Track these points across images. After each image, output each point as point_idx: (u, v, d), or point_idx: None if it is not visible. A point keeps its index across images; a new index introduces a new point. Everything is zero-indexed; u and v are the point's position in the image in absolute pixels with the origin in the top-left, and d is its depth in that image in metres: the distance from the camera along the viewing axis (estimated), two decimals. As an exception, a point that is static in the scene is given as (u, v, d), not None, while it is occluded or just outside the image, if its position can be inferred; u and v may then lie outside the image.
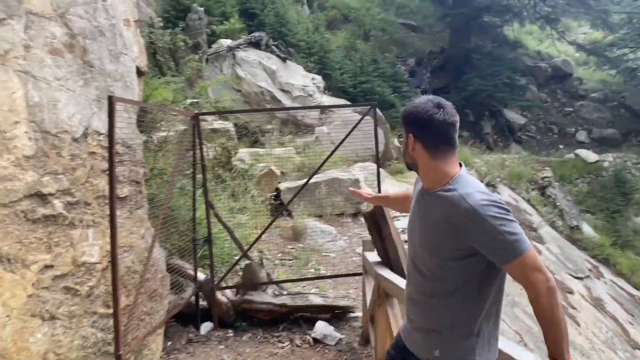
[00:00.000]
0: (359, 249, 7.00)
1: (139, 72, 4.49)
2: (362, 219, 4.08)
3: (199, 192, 5.45)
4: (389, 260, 4.01)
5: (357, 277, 5.82)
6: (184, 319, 4.70)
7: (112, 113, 3.04)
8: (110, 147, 3.05)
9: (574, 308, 10.29)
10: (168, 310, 4.03)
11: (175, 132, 5.09)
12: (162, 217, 4.07)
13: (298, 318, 4.78)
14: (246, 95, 12.27)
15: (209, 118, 7.74)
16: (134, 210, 3.90)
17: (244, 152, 8.86)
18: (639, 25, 18.67)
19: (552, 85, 21.35)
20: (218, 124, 8.25)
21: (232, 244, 5.86)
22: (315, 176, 8.38)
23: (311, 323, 4.74)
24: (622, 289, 12.35)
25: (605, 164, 17.36)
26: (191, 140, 4.57)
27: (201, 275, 4.74)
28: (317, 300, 4.73)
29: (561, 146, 19.34)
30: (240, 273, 5.11)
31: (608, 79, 21.05)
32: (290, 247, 6.97)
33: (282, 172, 8.84)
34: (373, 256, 4.43)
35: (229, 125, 8.26)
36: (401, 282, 3.33)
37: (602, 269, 12.68)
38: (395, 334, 3.40)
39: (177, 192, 4.97)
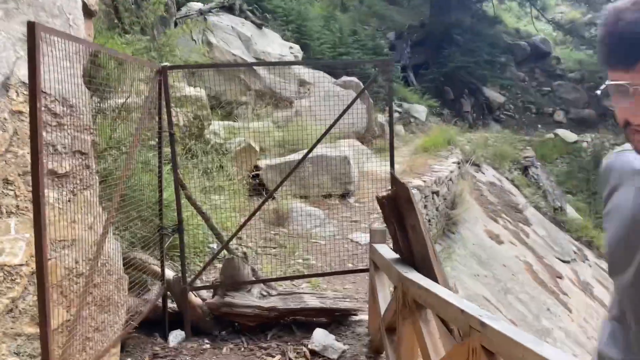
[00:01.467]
0: (352, 236, 6.09)
1: (88, 12, 3.40)
2: (377, 204, 3.11)
3: (167, 168, 4.42)
4: (413, 257, 3.11)
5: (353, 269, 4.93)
6: (148, 326, 3.71)
7: (35, 49, 2.00)
8: (33, 99, 2.01)
9: (564, 294, 9.73)
10: (126, 322, 3.03)
11: (137, 94, 4.03)
12: (118, 200, 3.05)
13: (290, 324, 3.85)
14: (218, 64, 11.10)
15: (178, 82, 6.64)
16: (78, 191, 2.87)
17: (217, 125, 7.79)
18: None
19: (531, 64, 20.76)
20: (189, 90, 7.15)
21: (206, 230, 4.87)
22: (300, 154, 7.41)
23: (306, 329, 3.82)
24: (606, 271, 11.89)
25: (584, 144, 16.91)
26: (156, 103, 3.52)
27: (170, 273, 3.75)
28: (313, 301, 3.80)
29: (539, 126, 18.82)
30: (219, 269, 4.13)
31: (585, 59, 20.57)
32: (273, 232, 6.01)
33: (260, 148, 7.82)
34: (386, 250, 3.52)
35: (201, 92, 7.17)
36: (443, 292, 2.42)
37: (587, 252, 12.21)
38: (434, 355, 2.51)
39: (139, 167, 3.93)
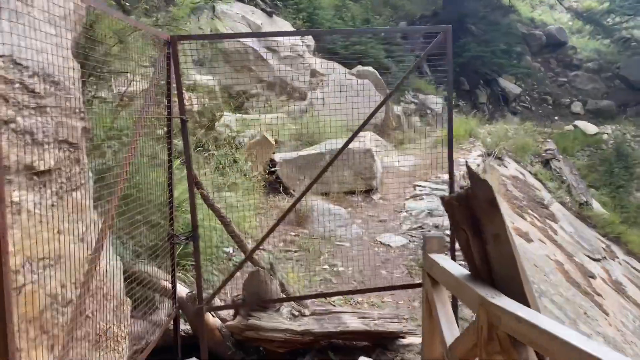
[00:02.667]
0: (380, 237, 5.42)
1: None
2: (443, 207, 2.41)
3: (176, 163, 3.76)
4: (491, 274, 2.44)
5: (390, 278, 4.25)
6: (157, 352, 3.04)
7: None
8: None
9: (599, 295, 9.04)
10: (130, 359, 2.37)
11: (142, 76, 3.35)
12: (118, 202, 2.40)
13: (326, 348, 3.18)
14: (227, 53, 10.42)
15: (187, 69, 5.96)
16: (65, 192, 2.20)
17: (229, 117, 7.12)
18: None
19: (546, 54, 19.96)
20: (200, 77, 6.48)
21: (222, 233, 4.21)
22: (318, 147, 6.75)
23: (345, 353, 3.15)
24: (636, 269, 11.19)
25: (605, 136, 16.14)
26: (164, 80, 2.85)
27: (182, 289, 3.09)
28: (354, 323, 3.13)
29: (556, 117, 18.05)
30: (241, 282, 3.45)
31: (602, 48, 19.76)
32: (293, 234, 5.35)
33: (275, 141, 7.15)
34: (451, 264, 2.85)
35: (211, 80, 6.51)
36: (566, 333, 1.74)
37: (614, 248, 11.50)
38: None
39: (144, 162, 3.27)
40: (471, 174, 2.39)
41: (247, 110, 8.43)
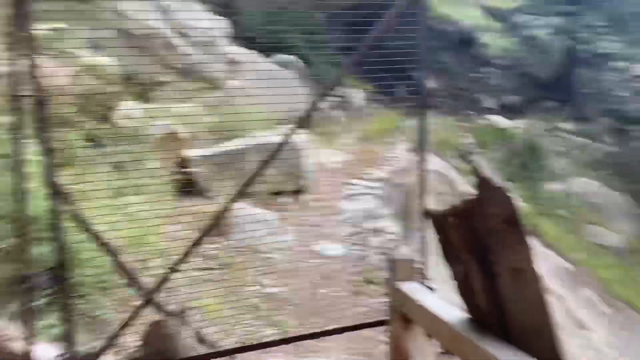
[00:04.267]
0: (316, 246, 4.59)
1: None
2: (431, 225, 1.53)
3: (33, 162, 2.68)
4: (504, 322, 1.69)
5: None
6: None
7: None
8: None
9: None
10: None
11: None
12: None
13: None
14: (134, 37, 9.11)
15: (77, 48, 4.77)
16: None
17: (131, 106, 5.97)
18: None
19: (459, 50, 20.13)
20: (92, 58, 5.30)
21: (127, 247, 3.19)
22: (241, 141, 5.81)
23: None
24: (554, 261, 11.30)
25: (517, 130, 16.45)
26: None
27: (45, 351, 2.07)
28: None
29: (470, 112, 18.21)
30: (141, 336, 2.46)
31: (511, 46, 20.26)
32: (213, 246, 4.38)
33: (189, 135, 6.10)
34: (435, 301, 2.07)
35: (109, 62, 5.35)
36: None
37: (533, 241, 11.49)
38: None
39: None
40: (481, 179, 1.60)
41: (155, 100, 7.27)
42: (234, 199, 2.88)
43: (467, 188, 11.48)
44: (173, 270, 2.38)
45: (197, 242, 2.59)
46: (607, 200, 14.88)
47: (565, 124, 17.02)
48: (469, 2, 19.37)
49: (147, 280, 3.58)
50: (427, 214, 1.79)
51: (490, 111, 18.13)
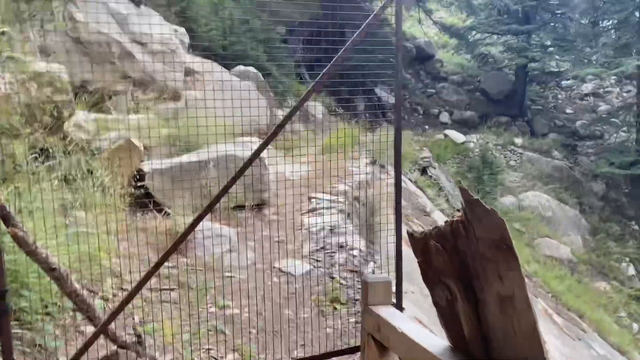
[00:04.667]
0: (279, 263, 4.41)
1: None
2: (411, 248, 1.40)
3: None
4: (491, 352, 1.57)
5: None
6: None
7: None
8: None
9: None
10: None
11: None
12: None
13: None
14: (86, 45, 8.71)
15: (24, 54, 4.45)
16: None
17: (83, 116, 5.65)
18: (496, 12, 18.40)
19: (416, 66, 20.49)
20: (42, 65, 4.96)
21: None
22: (198, 153, 5.59)
23: None
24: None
25: (471, 144, 16.80)
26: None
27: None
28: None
29: (427, 126, 18.50)
30: None
31: (465, 63, 20.79)
32: (170, 265, 4.13)
33: (144, 147, 5.82)
34: (415, 328, 1.94)
35: (58, 69, 5.02)
36: None
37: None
38: None
39: None
40: (468, 200, 1.49)
41: (109, 110, 6.93)
42: (200, 217, 2.68)
43: (425, 202, 11.55)
44: (128, 297, 2.15)
45: (158, 265, 2.38)
46: (557, 213, 15.35)
47: (517, 138, 17.53)
48: (425, 20, 19.75)
49: (98, 302, 3.31)
50: (410, 236, 1.67)
51: (446, 126, 18.49)
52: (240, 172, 2.81)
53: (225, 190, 2.75)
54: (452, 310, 1.63)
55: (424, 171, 13.58)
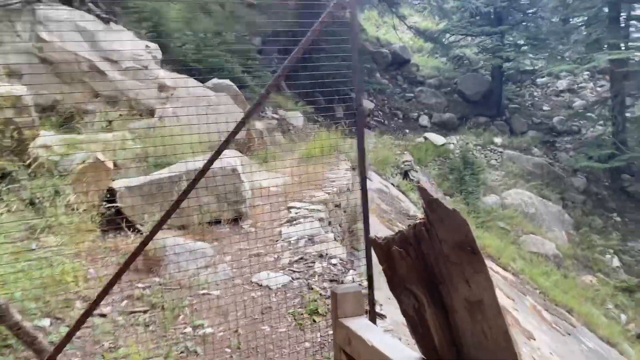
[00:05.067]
0: (257, 277, 4.26)
1: None
2: (374, 252, 1.28)
3: None
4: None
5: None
6: None
7: None
8: None
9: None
10: None
11: None
12: None
13: None
14: (55, 65, 8.52)
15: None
16: None
17: (48, 137, 5.46)
18: (468, 14, 18.53)
19: (392, 71, 20.54)
20: (6, 87, 4.78)
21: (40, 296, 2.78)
22: (174, 168, 5.43)
23: None
24: (496, 272, 11.44)
25: (451, 146, 16.81)
26: None
27: None
28: None
29: (407, 130, 18.49)
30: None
31: (441, 65, 20.89)
32: (141, 285, 3.97)
33: (115, 165, 5.64)
34: (380, 336, 1.82)
35: (20, 90, 4.85)
36: None
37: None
38: None
39: None
40: (428, 200, 1.37)
41: (79, 129, 6.74)
42: (154, 230, 2.54)
43: (408, 205, 11.48)
44: (75, 326, 1.99)
45: (111, 283, 2.23)
46: (540, 209, 15.38)
47: (497, 138, 17.61)
48: (400, 25, 19.82)
49: (63, 329, 3.13)
50: (373, 242, 1.55)
51: (426, 129, 18.50)
52: (202, 174, 2.68)
53: (185, 194, 2.62)
54: (421, 318, 1.51)
55: (405, 175, 13.54)
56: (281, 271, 4.29)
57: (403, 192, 12.11)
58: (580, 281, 13.35)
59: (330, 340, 3.14)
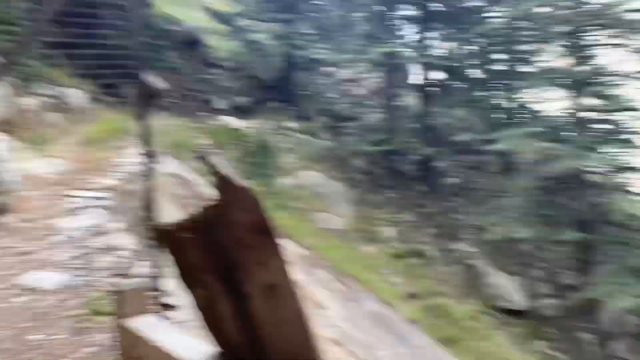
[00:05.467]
0: (24, 279, 3.64)
1: None
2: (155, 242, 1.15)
3: None
4: (262, 351, 1.37)
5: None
6: None
7: None
8: None
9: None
10: None
11: None
12: None
13: None
14: None
15: None
16: None
17: None
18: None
19: (186, 51, 19.78)
20: None
21: None
22: None
23: None
24: (292, 251, 11.98)
25: (248, 130, 16.99)
26: None
27: None
28: None
29: (204, 113, 18.07)
30: None
31: (236, 49, 20.86)
32: None
33: None
34: (170, 335, 1.62)
35: None
36: None
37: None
38: None
39: None
40: (221, 179, 1.24)
41: None
42: None
43: (208, 190, 11.26)
44: None
45: None
46: (328, 189, 16.64)
47: (290, 122, 18.39)
48: (192, 4, 19.15)
49: None
50: (154, 230, 1.37)
51: (222, 112, 18.35)
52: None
53: None
54: (215, 310, 1.38)
55: (203, 159, 13.18)
56: (58, 269, 3.73)
57: (201, 176, 11.80)
58: (364, 251, 14.84)
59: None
